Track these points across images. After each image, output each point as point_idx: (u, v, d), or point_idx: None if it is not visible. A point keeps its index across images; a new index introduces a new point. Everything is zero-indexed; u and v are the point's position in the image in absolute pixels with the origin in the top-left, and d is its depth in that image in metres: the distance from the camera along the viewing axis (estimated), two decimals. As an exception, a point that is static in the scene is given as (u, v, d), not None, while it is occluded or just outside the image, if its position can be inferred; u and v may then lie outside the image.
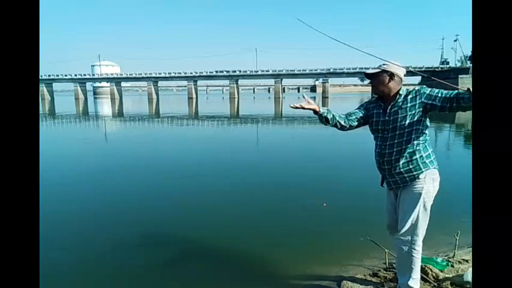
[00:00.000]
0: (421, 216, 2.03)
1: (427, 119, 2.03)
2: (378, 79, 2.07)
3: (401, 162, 2.02)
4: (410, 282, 2.11)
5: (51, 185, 5.37)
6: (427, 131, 2.04)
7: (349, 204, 4.53)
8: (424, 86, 1.99)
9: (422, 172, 2.00)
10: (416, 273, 2.11)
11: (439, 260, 2.67)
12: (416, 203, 2.01)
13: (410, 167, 2.01)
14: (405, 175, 2.03)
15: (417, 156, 2.00)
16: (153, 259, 3.10)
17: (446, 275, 2.46)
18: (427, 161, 2.02)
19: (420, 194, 2.00)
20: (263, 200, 4.83)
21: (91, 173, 6.61)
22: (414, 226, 2.04)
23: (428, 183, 2.01)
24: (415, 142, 1.99)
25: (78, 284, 2.74)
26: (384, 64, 2.08)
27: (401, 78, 2.08)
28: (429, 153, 2.04)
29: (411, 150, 2.00)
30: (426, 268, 2.47)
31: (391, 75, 2.03)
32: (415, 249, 2.07)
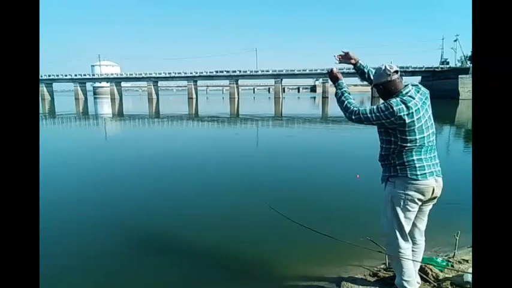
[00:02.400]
0: (394, 219, 2.06)
1: (401, 132, 1.94)
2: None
3: (382, 163, 2.15)
4: (404, 284, 2.12)
5: (51, 185, 5.37)
6: (402, 147, 1.97)
7: (350, 204, 4.53)
8: (393, 102, 1.91)
9: (392, 176, 2.07)
10: (408, 275, 2.11)
11: (439, 260, 2.66)
12: (386, 205, 2.10)
13: (386, 168, 2.11)
14: (384, 174, 2.15)
15: (391, 161, 2.06)
16: (153, 258, 3.10)
17: (446, 275, 2.46)
18: (398, 168, 2.03)
19: (388, 196, 2.08)
20: (262, 199, 4.82)
21: (91, 173, 6.61)
22: (391, 228, 2.09)
23: (398, 188, 2.03)
24: (391, 151, 2.03)
25: (78, 284, 2.74)
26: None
27: (382, 85, 2.03)
28: (403, 162, 2.00)
29: (387, 153, 2.06)
30: (426, 268, 2.46)
31: (378, 87, 2.07)
32: (399, 251, 2.08)
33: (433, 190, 2.04)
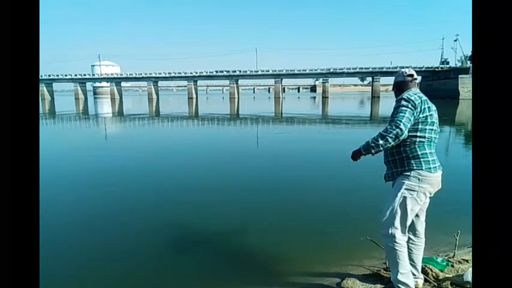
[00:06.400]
0: (400, 209, 2.10)
1: (411, 125, 2.04)
2: None
3: (391, 158, 2.19)
4: (400, 277, 2.13)
5: (51, 185, 5.37)
6: (413, 138, 2.07)
7: (350, 204, 4.53)
8: (403, 98, 2.09)
9: (405, 170, 2.11)
10: (404, 268, 2.13)
11: (439, 260, 2.67)
12: (396, 195, 2.12)
13: (398, 164, 2.15)
14: (394, 170, 2.19)
15: (403, 155, 2.12)
16: (153, 256, 3.10)
17: (446, 275, 2.46)
18: (412, 162, 2.09)
19: (401, 187, 2.11)
20: (263, 199, 4.83)
21: (91, 173, 6.61)
22: (392, 218, 2.11)
23: (413, 180, 2.08)
24: (402, 143, 2.10)
25: (78, 284, 2.74)
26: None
27: (396, 83, 2.27)
28: (417, 155, 2.08)
29: (397, 149, 2.14)
30: (426, 268, 2.46)
31: (394, 85, 2.30)
32: (396, 242, 2.11)
33: (439, 183, 2.15)
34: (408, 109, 2.01)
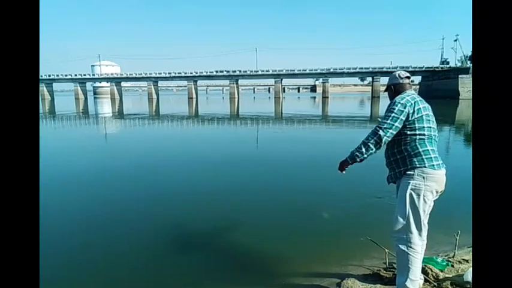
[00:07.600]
0: (411, 212, 2.06)
1: (408, 125, 2.06)
2: None
3: (392, 159, 2.18)
4: (408, 283, 2.08)
5: (51, 185, 5.37)
6: (412, 136, 2.07)
7: (350, 204, 4.53)
8: (393, 102, 2.11)
9: (408, 168, 2.08)
10: (415, 274, 2.08)
11: (439, 260, 2.67)
12: (404, 198, 2.08)
13: (400, 163, 2.13)
14: (396, 171, 2.17)
15: (405, 154, 2.10)
16: (153, 256, 3.10)
17: (446, 275, 2.46)
18: (414, 159, 2.07)
19: (407, 189, 2.07)
20: (263, 199, 4.83)
21: (91, 173, 6.61)
22: (407, 223, 2.07)
23: (417, 180, 2.05)
24: (402, 142, 2.10)
25: (78, 284, 2.74)
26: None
27: (393, 85, 2.27)
28: (419, 152, 2.06)
29: (398, 149, 2.13)
30: (426, 268, 2.46)
31: (390, 88, 2.31)
32: (411, 247, 2.07)
33: (444, 182, 2.12)
34: (393, 113, 2.03)
